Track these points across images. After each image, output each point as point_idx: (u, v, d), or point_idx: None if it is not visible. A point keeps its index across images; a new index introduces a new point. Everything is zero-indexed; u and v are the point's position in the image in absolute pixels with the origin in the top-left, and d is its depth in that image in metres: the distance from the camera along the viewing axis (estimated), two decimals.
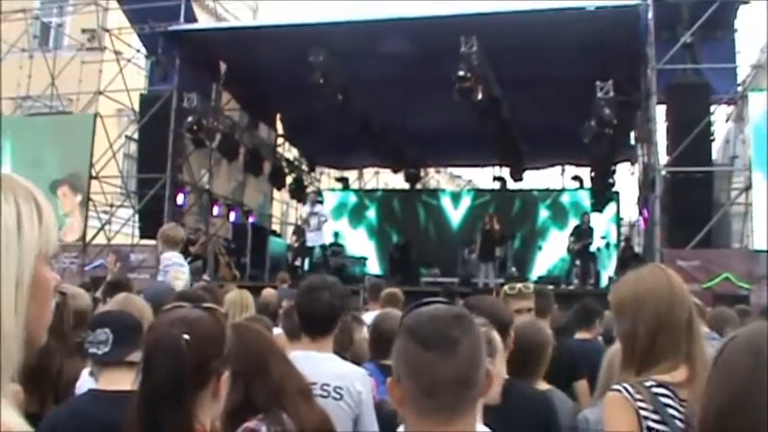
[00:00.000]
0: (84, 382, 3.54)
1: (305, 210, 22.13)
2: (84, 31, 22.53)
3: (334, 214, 24.42)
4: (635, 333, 2.67)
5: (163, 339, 2.13)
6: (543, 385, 4.22)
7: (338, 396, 3.76)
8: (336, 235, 23.78)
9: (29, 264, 1.36)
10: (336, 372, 3.85)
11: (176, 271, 9.05)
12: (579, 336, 6.53)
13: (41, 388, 3.52)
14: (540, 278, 21.05)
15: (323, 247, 20.97)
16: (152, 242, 17.74)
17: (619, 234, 23.99)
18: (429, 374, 1.96)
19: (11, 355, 1.31)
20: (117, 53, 19.98)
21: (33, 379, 3.40)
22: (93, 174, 19.06)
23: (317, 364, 3.86)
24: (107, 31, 20.56)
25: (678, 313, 2.65)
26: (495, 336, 3.01)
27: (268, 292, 10.04)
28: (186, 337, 2.11)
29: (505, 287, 5.77)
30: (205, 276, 10.17)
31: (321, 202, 22.88)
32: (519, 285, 5.75)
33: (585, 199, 23.89)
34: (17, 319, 1.31)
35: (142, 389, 2.10)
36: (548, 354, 4.23)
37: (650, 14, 15.81)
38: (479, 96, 16.96)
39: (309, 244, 20.62)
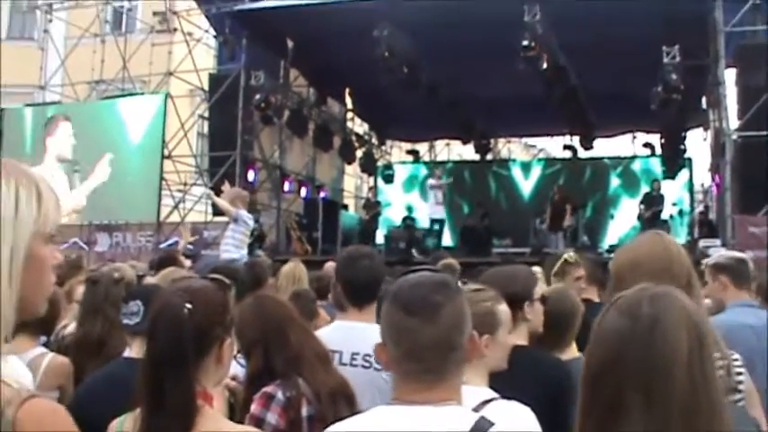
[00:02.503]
0: None
1: (431, 182, 22.15)
2: (155, 14, 22.98)
3: (405, 187, 24.56)
4: None
5: (165, 308, 2.25)
6: (574, 353, 4.12)
7: (381, 366, 3.82)
8: (409, 209, 23.89)
9: (23, 242, 1.55)
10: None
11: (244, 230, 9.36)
12: None
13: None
14: (611, 246, 20.88)
15: (405, 219, 21.33)
16: (224, 219, 18.12)
17: (692, 201, 23.61)
18: (412, 338, 2.05)
19: (6, 317, 1.51)
20: (187, 34, 20.32)
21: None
22: (166, 153, 19.45)
23: (360, 333, 3.88)
24: (175, 13, 20.95)
25: (674, 275, 2.65)
26: (501, 308, 3.04)
27: (330, 265, 10.16)
28: (188, 305, 2.23)
29: (565, 256, 5.82)
30: (258, 252, 10.39)
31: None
32: (566, 255, 5.80)
33: (657, 166, 23.46)
34: (11, 289, 1.51)
35: (147, 355, 2.24)
36: (575, 322, 4.20)
37: None
38: (545, 65, 16.89)
39: (435, 217, 21.08)
